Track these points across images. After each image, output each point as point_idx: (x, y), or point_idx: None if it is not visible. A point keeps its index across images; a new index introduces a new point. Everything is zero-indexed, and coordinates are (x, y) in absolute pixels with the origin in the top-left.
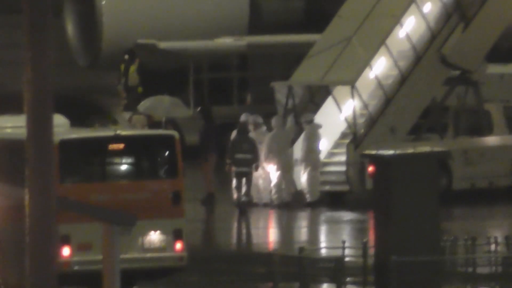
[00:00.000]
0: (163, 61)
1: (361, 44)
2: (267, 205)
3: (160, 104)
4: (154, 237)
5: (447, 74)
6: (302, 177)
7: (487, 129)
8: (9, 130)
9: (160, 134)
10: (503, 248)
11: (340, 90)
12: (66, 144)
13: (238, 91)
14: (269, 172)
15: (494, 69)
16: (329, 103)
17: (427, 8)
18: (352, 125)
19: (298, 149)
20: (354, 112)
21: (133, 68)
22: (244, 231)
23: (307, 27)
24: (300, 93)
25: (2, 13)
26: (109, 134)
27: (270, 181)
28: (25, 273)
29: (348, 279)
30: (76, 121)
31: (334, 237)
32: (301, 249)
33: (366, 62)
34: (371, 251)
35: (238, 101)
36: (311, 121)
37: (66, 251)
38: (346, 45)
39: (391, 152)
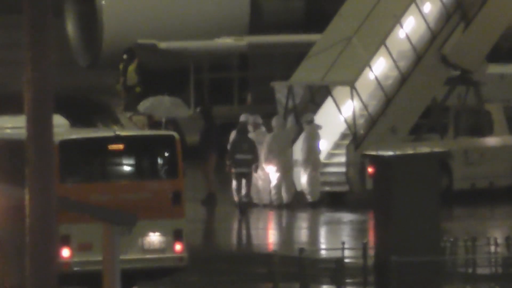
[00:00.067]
0: (164, 61)
1: (361, 44)
2: (267, 206)
3: (161, 104)
4: (154, 237)
5: (447, 74)
6: (302, 178)
7: (488, 129)
8: (9, 131)
9: (160, 134)
10: (503, 249)
11: (340, 90)
12: (66, 145)
13: (239, 91)
14: (268, 173)
15: (495, 69)
16: (329, 103)
17: (428, 8)
18: (352, 125)
19: (298, 149)
20: (354, 112)
21: (131, 68)
22: (244, 231)
23: (307, 27)
24: (300, 93)
25: (2, 13)
26: (109, 134)
27: (270, 182)
28: (25, 273)
29: (348, 279)
30: (78, 121)
31: (334, 238)
32: (301, 250)
33: (366, 62)
34: (371, 252)
35: (238, 101)
36: (311, 121)
37: (66, 251)
38: (346, 45)
39: (391, 152)
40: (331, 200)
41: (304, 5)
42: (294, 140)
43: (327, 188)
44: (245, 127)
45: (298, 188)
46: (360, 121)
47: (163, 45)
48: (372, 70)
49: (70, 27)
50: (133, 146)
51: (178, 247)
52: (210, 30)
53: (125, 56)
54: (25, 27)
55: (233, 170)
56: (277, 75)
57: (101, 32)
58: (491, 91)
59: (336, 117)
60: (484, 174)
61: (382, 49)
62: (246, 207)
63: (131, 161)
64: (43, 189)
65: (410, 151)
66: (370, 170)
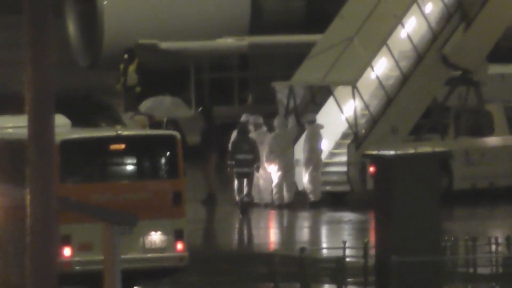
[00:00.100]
0: (164, 61)
1: (363, 44)
2: (268, 205)
3: (161, 104)
4: (155, 237)
5: (448, 75)
6: (304, 177)
7: (488, 130)
8: (9, 130)
9: (161, 134)
10: (503, 249)
11: (341, 90)
12: (67, 144)
13: (239, 91)
14: (270, 173)
15: (495, 69)
16: (330, 103)
17: (429, 8)
18: (353, 125)
19: (299, 149)
20: (355, 112)
21: (132, 68)
22: (245, 231)
23: (308, 27)
24: (301, 93)
25: (2, 13)
26: (110, 134)
27: (271, 182)
28: (26, 273)
29: (348, 279)
30: (79, 121)
31: (335, 237)
32: (302, 249)
33: (367, 62)
34: (372, 251)
35: (239, 101)
36: (312, 121)
37: (67, 251)
38: (347, 45)
39: (392, 152)
40: (332, 199)
41: (305, 5)
42: (295, 140)
43: (328, 188)
44: (246, 127)
45: (300, 188)
46: (362, 121)
47: (163, 45)
48: (373, 70)
49: (71, 27)
50: (134, 146)
51: (178, 247)
52: (210, 30)
53: (125, 56)
54: (25, 27)
55: (234, 170)
56: (278, 75)
57: (102, 32)
58: (492, 91)
59: (337, 117)
60: (484, 174)
61: (383, 49)
62: (247, 207)
63: (132, 161)
64: (43, 189)
65: (410, 151)
66: (371, 169)
